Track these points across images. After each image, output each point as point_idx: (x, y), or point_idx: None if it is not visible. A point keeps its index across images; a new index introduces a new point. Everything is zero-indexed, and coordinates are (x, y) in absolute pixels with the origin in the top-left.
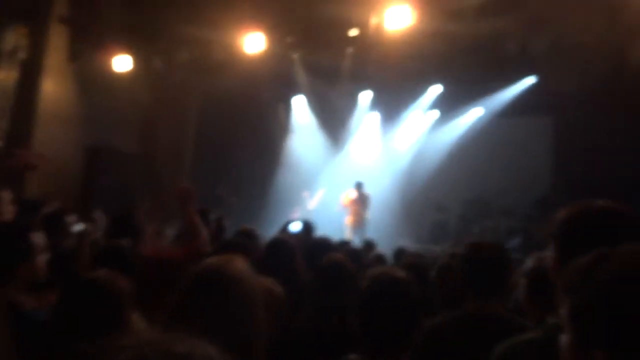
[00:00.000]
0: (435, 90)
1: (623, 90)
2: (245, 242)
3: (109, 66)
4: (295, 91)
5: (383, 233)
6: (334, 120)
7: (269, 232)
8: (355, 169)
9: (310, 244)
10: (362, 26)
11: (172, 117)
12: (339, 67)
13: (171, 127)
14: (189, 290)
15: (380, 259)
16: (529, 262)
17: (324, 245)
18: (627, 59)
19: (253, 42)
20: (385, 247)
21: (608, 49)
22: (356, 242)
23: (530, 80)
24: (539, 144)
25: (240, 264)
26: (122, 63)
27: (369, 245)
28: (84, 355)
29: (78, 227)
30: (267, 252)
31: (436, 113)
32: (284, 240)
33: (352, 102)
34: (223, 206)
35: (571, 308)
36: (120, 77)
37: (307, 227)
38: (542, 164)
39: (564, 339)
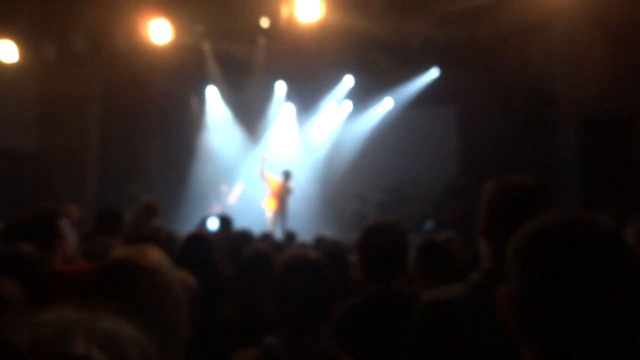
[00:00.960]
0: (348, 82)
1: (516, 77)
2: (157, 236)
3: None
4: (208, 82)
5: (304, 224)
6: (249, 112)
7: (185, 229)
8: (274, 161)
9: (230, 237)
10: (274, 17)
11: (71, 112)
12: (251, 58)
13: (70, 123)
14: (97, 283)
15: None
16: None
17: (245, 237)
18: (515, 50)
19: (159, 30)
20: (306, 237)
21: (497, 43)
22: (277, 233)
23: (434, 73)
24: (445, 131)
25: (154, 254)
26: (5, 51)
27: (290, 236)
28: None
29: None
30: (184, 247)
31: (349, 104)
32: (201, 235)
33: (267, 94)
34: (136, 205)
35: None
36: (5, 68)
37: (225, 222)
38: (450, 150)
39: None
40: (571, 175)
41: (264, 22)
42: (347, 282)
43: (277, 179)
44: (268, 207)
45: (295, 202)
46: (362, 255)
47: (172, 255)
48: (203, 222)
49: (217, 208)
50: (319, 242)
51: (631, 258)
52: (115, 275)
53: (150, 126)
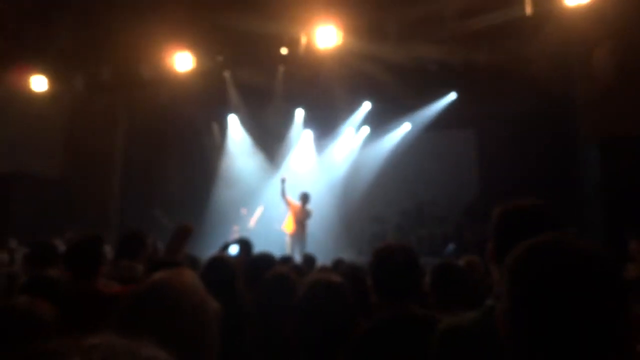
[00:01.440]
0: (366, 107)
1: (535, 99)
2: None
3: (24, 87)
4: (229, 110)
5: (323, 247)
6: (269, 138)
7: (207, 253)
8: (293, 185)
9: (251, 261)
10: (292, 45)
11: (97, 140)
12: (271, 85)
13: (96, 149)
14: (135, 306)
15: (323, 271)
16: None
17: (266, 261)
18: (529, 73)
19: (181, 61)
20: (325, 260)
21: (515, 65)
22: (296, 257)
23: (451, 97)
24: (464, 154)
25: (190, 276)
26: (37, 83)
27: (309, 260)
28: (51, 354)
29: None
30: (205, 270)
31: (367, 129)
32: (222, 258)
33: (286, 120)
34: (158, 228)
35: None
36: (36, 99)
37: (245, 246)
38: (469, 173)
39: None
40: (594, 196)
41: (283, 50)
42: (368, 305)
43: (295, 202)
44: (287, 230)
45: (314, 226)
46: (374, 277)
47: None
48: (224, 247)
49: (237, 232)
50: (338, 265)
51: (615, 281)
52: (155, 297)
53: (173, 152)
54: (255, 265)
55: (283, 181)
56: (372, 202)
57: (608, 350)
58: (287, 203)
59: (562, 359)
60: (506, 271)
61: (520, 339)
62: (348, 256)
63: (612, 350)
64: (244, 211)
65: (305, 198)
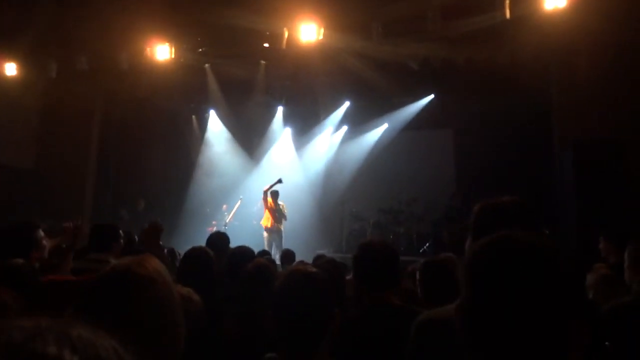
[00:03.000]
0: (346, 104)
1: (512, 101)
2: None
3: None
4: (209, 103)
5: (302, 244)
6: (249, 133)
7: (185, 246)
8: (272, 182)
9: (231, 254)
10: (274, 39)
11: (72, 130)
12: (252, 79)
13: (71, 139)
14: (94, 291)
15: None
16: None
17: (247, 253)
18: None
19: (160, 52)
20: (304, 257)
21: (494, 67)
22: (273, 252)
23: (429, 97)
24: (442, 153)
25: (154, 263)
26: (8, 69)
27: (288, 256)
28: None
29: None
30: (184, 262)
31: (347, 127)
32: (200, 250)
33: (267, 114)
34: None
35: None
36: (8, 86)
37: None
38: (447, 172)
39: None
40: (568, 197)
41: (265, 44)
42: (343, 299)
43: (269, 199)
44: (265, 224)
45: (293, 222)
46: (357, 268)
47: (173, 271)
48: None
49: (215, 226)
50: (317, 260)
51: (558, 275)
52: (113, 284)
53: (151, 144)
54: (236, 258)
55: (280, 181)
56: (351, 200)
57: (553, 342)
58: (264, 199)
59: (506, 351)
60: (464, 265)
61: (470, 331)
62: (327, 253)
63: (557, 342)
64: (224, 207)
65: (274, 195)
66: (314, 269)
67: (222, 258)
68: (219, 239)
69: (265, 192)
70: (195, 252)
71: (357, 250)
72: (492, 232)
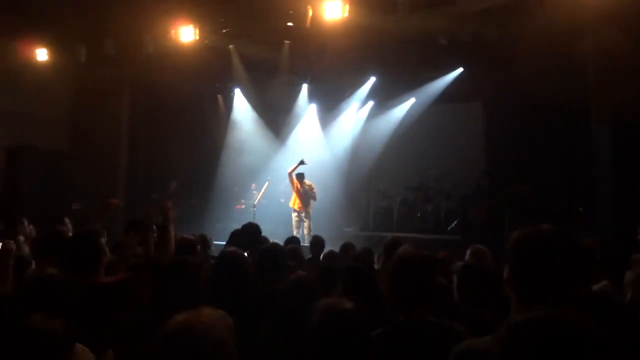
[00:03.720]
0: (372, 81)
1: (545, 77)
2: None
3: (28, 60)
4: (234, 83)
5: (328, 221)
6: (274, 112)
7: (214, 228)
8: (298, 160)
9: (262, 253)
10: (298, 17)
11: (102, 113)
12: (276, 58)
13: (102, 123)
14: (159, 352)
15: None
16: (459, 262)
17: (278, 253)
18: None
19: (185, 34)
20: (331, 233)
21: (526, 42)
22: (302, 234)
23: (458, 71)
24: (471, 128)
25: (209, 319)
26: (40, 55)
27: (317, 244)
28: None
29: None
30: (216, 267)
31: (371, 103)
32: (234, 253)
33: (292, 93)
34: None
35: None
36: (40, 72)
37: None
38: (476, 148)
39: None
40: (604, 179)
41: (289, 23)
42: (375, 296)
43: (295, 182)
44: (293, 206)
45: (319, 200)
46: (393, 285)
47: (204, 259)
48: (231, 240)
49: (244, 204)
50: (346, 249)
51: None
52: (175, 345)
53: (178, 126)
54: (268, 260)
55: (302, 162)
56: (378, 177)
57: None
58: (291, 181)
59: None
60: (510, 248)
61: (515, 284)
62: (353, 231)
63: None
64: (253, 186)
65: (299, 176)
66: (349, 305)
67: (254, 252)
68: (251, 232)
69: (290, 175)
70: (227, 255)
71: (394, 266)
72: (534, 266)
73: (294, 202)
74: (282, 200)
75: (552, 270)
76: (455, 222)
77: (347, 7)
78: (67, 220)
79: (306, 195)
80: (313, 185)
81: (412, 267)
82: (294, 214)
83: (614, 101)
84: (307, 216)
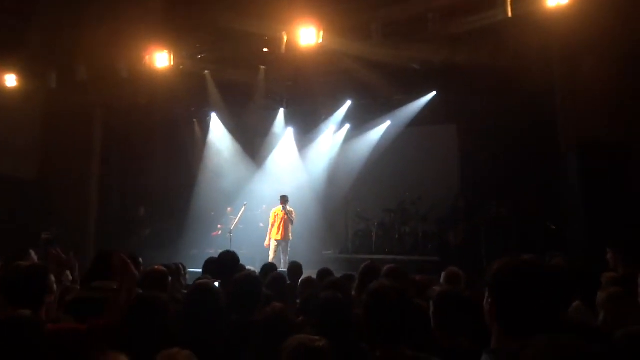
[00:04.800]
0: (347, 105)
1: (516, 100)
2: (155, 298)
3: None
4: (210, 108)
5: (307, 245)
6: (251, 136)
7: (189, 255)
8: (275, 184)
9: (237, 283)
10: (274, 43)
11: (74, 139)
12: (252, 83)
13: (73, 149)
14: None
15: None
16: (436, 287)
17: (253, 283)
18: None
19: (160, 59)
20: (309, 257)
21: (497, 66)
22: (282, 260)
23: (431, 94)
24: (447, 150)
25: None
26: (9, 81)
27: (295, 270)
28: None
29: None
30: (187, 301)
31: (347, 126)
32: (204, 286)
33: (268, 118)
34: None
35: None
36: (8, 96)
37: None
38: (451, 170)
39: None
40: (575, 200)
41: (264, 49)
42: (350, 323)
43: (277, 210)
44: (277, 238)
45: (298, 223)
46: (367, 319)
47: (179, 289)
48: (207, 268)
49: (221, 230)
50: (323, 277)
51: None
52: None
53: (153, 151)
54: (242, 290)
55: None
56: (355, 199)
57: None
58: (272, 223)
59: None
60: (493, 279)
61: (500, 314)
62: (332, 254)
63: None
64: (229, 210)
65: (284, 200)
66: (320, 343)
67: (228, 283)
68: (229, 261)
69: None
70: (200, 287)
71: (369, 298)
72: (517, 299)
73: (278, 232)
74: (261, 224)
75: (536, 302)
76: (432, 244)
77: (321, 33)
78: (32, 252)
79: (290, 224)
80: (293, 210)
81: (387, 302)
82: (275, 243)
83: (580, 124)
84: (287, 243)
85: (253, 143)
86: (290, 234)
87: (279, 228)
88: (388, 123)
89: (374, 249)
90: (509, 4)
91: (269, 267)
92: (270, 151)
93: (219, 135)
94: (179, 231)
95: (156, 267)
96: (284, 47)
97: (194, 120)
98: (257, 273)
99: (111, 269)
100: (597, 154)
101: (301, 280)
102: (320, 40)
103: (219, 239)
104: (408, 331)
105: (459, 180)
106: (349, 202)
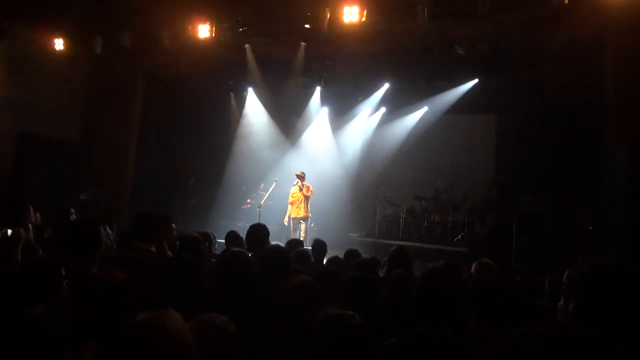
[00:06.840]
0: (384, 87)
1: (563, 92)
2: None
3: (43, 47)
4: (247, 82)
5: (334, 226)
6: (286, 113)
7: (218, 224)
8: (308, 162)
9: (265, 255)
10: (316, 21)
11: (115, 104)
12: (292, 60)
13: (114, 114)
14: (116, 348)
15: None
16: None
17: (282, 257)
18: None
19: (202, 31)
20: (334, 241)
21: (546, 56)
22: (300, 237)
23: (473, 81)
24: (484, 140)
25: (173, 323)
26: (57, 44)
27: (320, 248)
28: None
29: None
30: (220, 267)
31: (383, 110)
32: (238, 252)
33: (304, 96)
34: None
35: None
36: (55, 59)
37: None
38: (487, 159)
39: None
40: (619, 197)
41: (306, 25)
42: (378, 301)
43: (296, 188)
44: (299, 216)
45: (325, 203)
46: (419, 295)
47: (208, 258)
48: (231, 239)
49: (250, 204)
50: (350, 257)
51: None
52: (133, 342)
53: (190, 121)
54: (272, 261)
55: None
56: (386, 184)
57: None
58: (291, 202)
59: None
60: (579, 279)
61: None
62: (359, 237)
63: None
64: (261, 186)
65: (300, 177)
66: (356, 318)
67: (258, 253)
68: (259, 233)
69: (302, 188)
70: (232, 260)
71: (426, 277)
72: (603, 300)
73: (300, 210)
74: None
75: (623, 304)
76: (462, 234)
77: (365, 12)
78: (72, 210)
79: (306, 200)
80: (309, 185)
81: (444, 283)
82: (294, 221)
83: (632, 120)
84: (307, 220)
85: (288, 120)
86: (309, 212)
87: (297, 206)
88: (425, 109)
89: (400, 235)
90: None
91: (295, 242)
92: (304, 130)
93: (254, 110)
94: (208, 203)
95: (189, 232)
96: (326, 24)
97: (231, 93)
98: None
99: (150, 230)
100: None
101: (328, 259)
102: (364, 19)
103: (248, 212)
104: (453, 316)
105: (493, 171)
106: (379, 186)
